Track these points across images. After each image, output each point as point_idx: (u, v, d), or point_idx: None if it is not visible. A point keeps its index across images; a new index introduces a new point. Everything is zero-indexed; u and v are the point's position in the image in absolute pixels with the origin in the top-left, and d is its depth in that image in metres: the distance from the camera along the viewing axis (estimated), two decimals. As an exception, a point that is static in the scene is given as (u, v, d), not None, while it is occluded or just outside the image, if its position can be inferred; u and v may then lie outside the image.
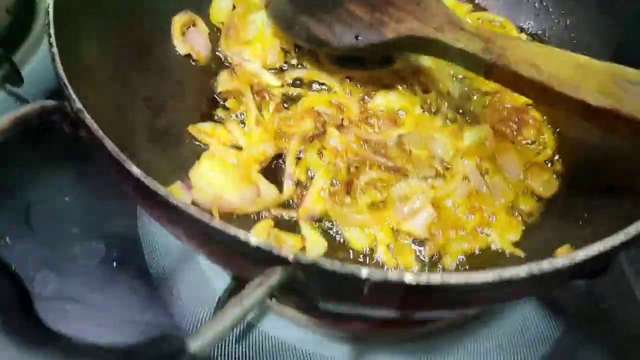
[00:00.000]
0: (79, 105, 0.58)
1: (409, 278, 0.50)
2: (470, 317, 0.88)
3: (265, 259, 0.51)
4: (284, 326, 0.85)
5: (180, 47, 0.94)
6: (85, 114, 0.58)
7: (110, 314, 0.87)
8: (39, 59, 1.11)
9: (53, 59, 0.62)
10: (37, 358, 0.37)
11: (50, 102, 0.59)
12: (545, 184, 0.83)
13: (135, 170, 0.55)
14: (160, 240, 0.93)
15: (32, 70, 1.09)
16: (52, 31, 0.63)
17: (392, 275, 0.50)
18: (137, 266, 0.91)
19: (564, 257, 0.52)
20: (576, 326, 0.89)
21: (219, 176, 0.80)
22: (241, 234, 0.51)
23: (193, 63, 0.95)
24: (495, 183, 0.82)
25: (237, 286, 0.76)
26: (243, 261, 0.55)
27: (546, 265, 0.51)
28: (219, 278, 0.89)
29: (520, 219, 0.81)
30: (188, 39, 0.95)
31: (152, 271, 0.91)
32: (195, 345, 0.41)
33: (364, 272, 0.49)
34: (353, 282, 0.50)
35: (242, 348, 0.84)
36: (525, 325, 0.88)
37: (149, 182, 0.54)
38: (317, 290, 0.52)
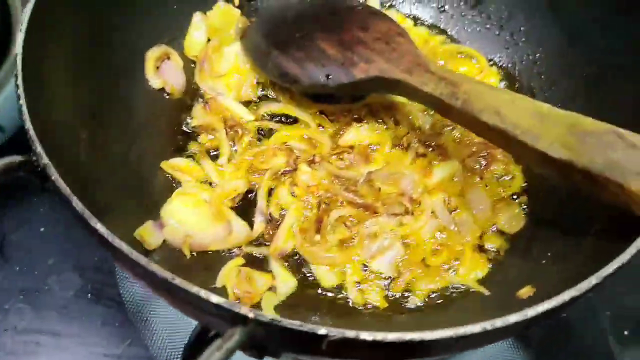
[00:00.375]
0: (46, 160, 0.59)
1: (365, 335, 0.51)
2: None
3: (226, 316, 0.52)
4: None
5: (154, 81, 0.94)
6: (52, 169, 0.59)
7: (85, 346, 0.89)
8: (13, 87, 1.10)
9: (21, 112, 0.62)
10: None
11: (17, 158, 0.60)
12: (512, 219, 0.84)
13: (101, 229, 0.56)
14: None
15: (8, 97, 1.08)
16: (20, 82, 0.64)
17: (350, 333, 0.51)
18: (112, 297, 0.92)
19: (517, 314, 0.54)
20: (542, 353, 0.91)
21: (190, 213, 0.81)
22: (202, 292, 0.52)
23: (167, 97, 0.96)
24: (463, 220, 0.84)
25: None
26: (206, 316, 0.56)
27: (499, 322, 0.53)
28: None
29: (486, 256, 0.83)
30: (162, 72, 0.95)
31: (127, 302, 0.92)
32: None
33: (322, 330, 0.51)
34: (312, 338, 0.51)
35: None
36: (494, 354, 0.90)
37: (112, 239, 0.55)
38: (278, 345, 0.54)
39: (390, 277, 0.80)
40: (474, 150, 0.89)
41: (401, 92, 0.82)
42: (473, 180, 0.87)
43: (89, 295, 0.91)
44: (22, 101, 0.63)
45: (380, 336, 0.51)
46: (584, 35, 0.91)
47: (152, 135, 0.90)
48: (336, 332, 0.51)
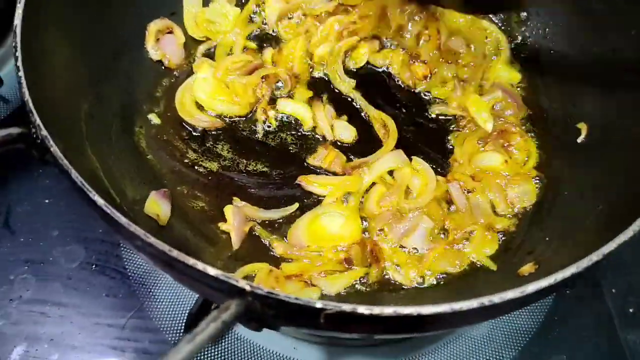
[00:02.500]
0: (44, 132, 0.59)
1: (362, 309, 0.51)
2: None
3: (223, 289, 0.53)
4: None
5: (153, 52, 0.95)
6: (51, 141, 0.59)
7: (90, 316, 0.89)
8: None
9: (20, 84, 0.62)
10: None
11: (15, 130, 0.60)
12: (525, 194, 0.86)
13: (99, 201, 0.56)
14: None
15: (12, 70, 1.09)
16: (19, 54, 0.64)
17: (346, 307, 0.51)
18: (116, 269, 0.93)
19: (514, 291, 0.54)
20: (544, 332, 0.91)
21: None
22: (199, 265, 0.52)
23: (163, 69, 0.96)
24: (477, 203, 0.85)
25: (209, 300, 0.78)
26: (204, 288, 0.56)
27: (497, 298, 0.53)
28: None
29: (496, 235, 0.84)
30: (161, 44, 0.95)
31: (131, 274, 0.92)
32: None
33: (319, 304, 0.51)
34: (309, 312, 0.52)
35: (217, 351, 0.86)
36: (493, 331, 0.90)
37: (111, 212, 0.55)
38: (276, 318, 0.54)
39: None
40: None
41: None
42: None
43: (93, 266, 0.92)
44: (21, 73, 0.63)
45: (377, 310, 0.52)
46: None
47: (152, 107, 0.90)
48: (333, 306, 0.51)
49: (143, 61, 0.93)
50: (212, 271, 0.52)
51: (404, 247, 0.82)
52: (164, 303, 0.90)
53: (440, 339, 0.89)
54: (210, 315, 0.49)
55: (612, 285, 0.95)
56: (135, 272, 0.92)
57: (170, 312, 0.90)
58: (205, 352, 0.85)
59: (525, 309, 0.92)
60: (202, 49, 0.98)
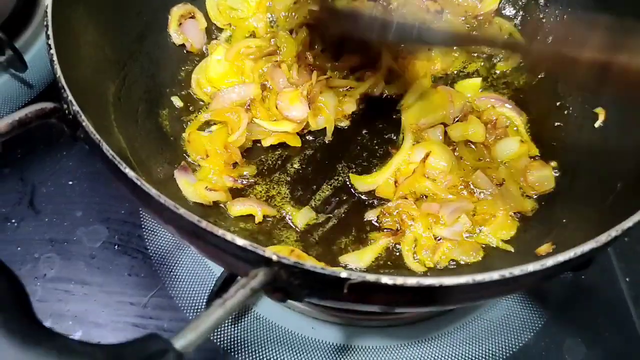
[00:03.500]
0: (76, 107, 0.61)
1: (386, 279, 0.53)
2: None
3: (250, 259, 0.54)
4: (279, 311, 0.89)
5: (176, 37, 0.96)
6: (83, 116, 0.60)
7: (112, 295, 0.91)
8: (42, 44, 1.12)
9: (51, 61, 0.64)
10: (34, 357, 0.41)
11: (49, 105, 0.61)
12: (543, 179, 0.86)
13: (130, 174, 0.57)
14: (160, 225, 0.96)
15: (37, 55, 1.11)
16: (50, 32, 0.65)
17: (370, 277, 0.53)
18: (137, 249, 0.95)
19: (534, 264, 0.54)
20: (560, 316, 0.92)
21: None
22: (228, 235, 0.54)
23: (185, 53, 0.98)
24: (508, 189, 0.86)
25: (232, 275, 0.80)
26: (231, 259, 0.58)
27: (517, 271, 0.54)
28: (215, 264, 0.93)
29: (515, 219, 0.85)
30: (184, 29, 0.97)
31: (152, 254, 0.94)
32: (180, 344, 0.45)
33: (343, 274, 0.53)
34: (334, 282, 0.53)
35: (238, 330, 0.88)
36: (509, 314, 0.92)
37: (142, 184, 0.57)
38: (301, 288, 0.55)
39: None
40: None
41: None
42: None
43: (116, 246, 0.94)
44: (53, 50, 0.64)
45: (400, 280, 0.53)
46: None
47: (175, 90, 0.92)
48: (357, 276, 0.53)
49: (166, 45, 0.95)
50: (240, 241, 0.53)
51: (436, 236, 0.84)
52: (184, 283, 0.92)
53: (457, 321, 0.90)
54: (239, 282, 0.51)
55: (626, 274, 0.96)
56: (156, 252, 0.94)
57: (190, 292, 0.92)
58: (226, 331, 0.87)
59: (541, 294, 0.93)
60: (224, 36, 1.00)
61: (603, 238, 0.57)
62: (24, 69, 1.06)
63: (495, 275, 0.54)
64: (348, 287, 0.53)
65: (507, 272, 0.54)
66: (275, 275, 0.53)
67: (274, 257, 0.52)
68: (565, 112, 0.93)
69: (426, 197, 0.87)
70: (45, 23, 0.66)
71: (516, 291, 0.64)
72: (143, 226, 0.96)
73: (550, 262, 0.55)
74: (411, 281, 0.53)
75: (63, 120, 0.63)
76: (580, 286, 0.94)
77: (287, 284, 0.54)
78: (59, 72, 0.63)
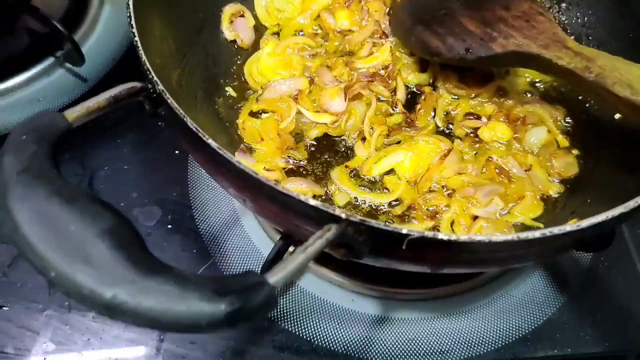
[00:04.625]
0: (161, 87, 0.69)
1: (442, 235, 0.60)
2: (486, 281, 0.99)
3: (320, 217, 0.61)
4: (320, 284, 0.97)
5: (228, 33, 1.05)
6: (168, 95, 0.68)
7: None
8: (96, 38, 1.19)
9: (137, 48, 0.72)
10: (159, 283, 0.48)
11: (137, 84, 0.69)
12: (567, 165, 0.94)
13: (212, 144, 0.65)
14: (209, 206, 1.04)
15: (91, 49, 1.18)
16: (133, 22, 0.74)
17: (428, 233, 0.60)
18: (189, 228, 1.02)
19: (571, 225, 0.62)
20: (578, 297, 0.99)
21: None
22: (302, 196, 0.61)
23: (236, 48, 1.07)
24: (536, 173, 0.93)
25: (285, 245, 0.87)
26: (300, 220, 0.65)
27: (556, 230, 0.62)
28: (262, 242, 1.00)
29: (541, 202, 0.92)
30: (235, 26, 1.06)
31: (203, 233, 1.02)
32: (272, 280, 0.52)
33: (404, 230, 0.60)
34: (395, 238, 0.60)
35: (283, 301, 0.95)
36: (533, 293, 0.99)
37: (223, 152, 0.65)
38: (364, 244, 0.63)
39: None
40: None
41: (536, 66, 0.90)
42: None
43: (169, 225, 1.01)
44: (137, 38, 0.72)
45: (454, 237, 0.60)
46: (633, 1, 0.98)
47: (228, 81, 1.00)
48: (416, 232, 0.60)
49: (219, 40, 1.04)
50: (312, 202, 0.61)
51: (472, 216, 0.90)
52: (233, 259, 0.99)
53: (486, 297, 0.97)
54: (316, 234, 0.58)
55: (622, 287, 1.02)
56: (206, 231, 1.02)
57: (238, 267, 0.99)
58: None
59: (562, 276, 1.00)
60: (271, 33, 1.09)
61: (631, 204, 0.64)
62: (82, 62, 1.12)
63: (537, 233, 0.61)
64: (407, 243, 0.61)
65: (547, 231, 0.61)
66: (344, 231, 0.61)
67: (343, 215, 0.60)
68: (587, 104, 1.01)
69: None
70: (128, 14, 0.75)
71: (552, 255, 0.71)
72: (193, 207, 1.04)
73: (585, 223, 0.62)
74: (463, 237, 0.61)
75: (147, 98, 0.70)
76: (598, 273, 1.02)
77: (353, 239, 0.61)
78: (144, 57, 0.71)
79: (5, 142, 0.56)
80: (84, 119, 0.64)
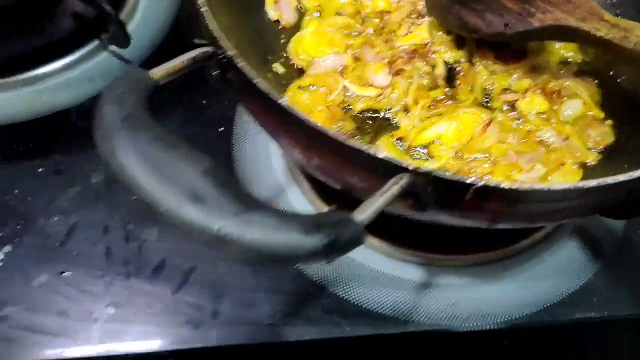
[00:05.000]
0: (231, 52, 0.73)
1: (505, 185, 0.64)
2: (523, 249, 1.03)
3: (388, 169, 0.65)
4: (366, 252, 1.00)
5: (271, 13, 1.10)
6: (239, 60, 0.72)
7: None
8: (140, 19, 1.21)
9: (205, 18, 0.76)
10: (260, 216, 0.52)
11: (210, 49, 0.73)
12: (603, 134, 0.98)
13: (285, 102, 0.69)
14: (254, 180, 1.08)
15: (134, 31, 1.20)
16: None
17: (491, 182, 0.65)
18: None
19: (624, 175, 0.66)
20: (613, 264, 1.03)
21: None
22: (371, 149, 0.65)
23: (280, 28, 1.11)
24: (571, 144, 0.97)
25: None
26: (365, 174, 0.69)
27: (610, 180, 0.66)
28: (306, 210, 1.05)
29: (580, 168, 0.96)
30: (279, 6, 1.11)
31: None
32: (358, 217, 0.57)
33: (469, 180, 0.64)
34: (460, 187, 0.65)
35: (330, 269, 0.99)
36: (569, 260, 1.03)
37: (296, 111, 0.69)
38: (430, 195, 0.67)
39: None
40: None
41: (574, 39, 0.95)
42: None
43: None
44: (206, 7, 0.76)
45: (515, 185, 0.65)
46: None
47: (275, 58, 1.05)
48: (481, 182, 0.64)
49: (265, 19, 1.09)
50: (381, 154, 0.65)
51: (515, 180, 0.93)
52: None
53: (524, 263, 1.01)
54: (391, 180, 0.62)
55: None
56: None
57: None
58: (321, 269, 0.98)
59: (596, 245, 1.04)
60: (311, 12, 1.13)
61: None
62: (128, 44, 1.15)
63: (592, 182, 0.66)
64: (472, 192, 0.65)
65: (602, 181, 0.66)
66: (411, 182, 0.65)
67: (411, 167, 0.64)
68: (618, 79, 1.05)
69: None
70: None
71: (604, 206, 0.74)
72: (239, 182, 1.08)
73: (637, 173, 0.67)
74: (524, 186, 0.65)
75: (217, 62, 0.74)
76: (632, 239, 1.06)
77: (422, 188, 0.65)
78: (213, 26, 0.75)
79: (101, 96, 0.61)
80: (166, 79, 0.68)
